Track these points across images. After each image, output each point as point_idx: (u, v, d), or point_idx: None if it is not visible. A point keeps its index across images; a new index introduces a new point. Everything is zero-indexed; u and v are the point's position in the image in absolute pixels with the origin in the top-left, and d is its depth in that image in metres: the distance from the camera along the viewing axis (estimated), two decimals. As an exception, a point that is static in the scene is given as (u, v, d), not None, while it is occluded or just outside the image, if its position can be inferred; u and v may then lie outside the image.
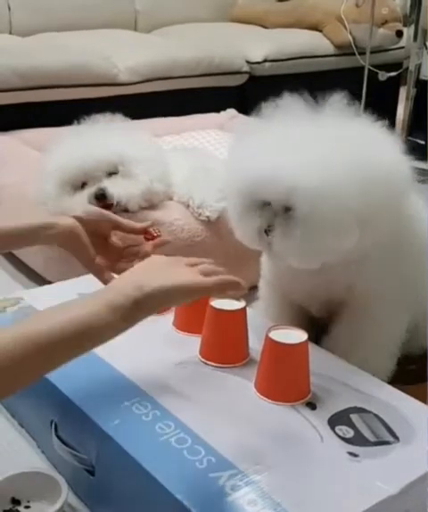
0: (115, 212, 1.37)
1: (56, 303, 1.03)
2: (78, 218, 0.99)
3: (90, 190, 1.39)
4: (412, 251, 1.13)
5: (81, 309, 0.72)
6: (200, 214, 1.43)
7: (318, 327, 1.21)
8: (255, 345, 0.99)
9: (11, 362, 0.67)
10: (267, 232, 1.02)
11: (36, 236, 0.97)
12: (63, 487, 0.89)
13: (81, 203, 1.38)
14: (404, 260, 1.12)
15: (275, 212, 1.01)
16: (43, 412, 1.00)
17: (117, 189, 1.38)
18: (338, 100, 1.03)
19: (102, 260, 1.00)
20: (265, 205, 1.02)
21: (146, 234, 1.04)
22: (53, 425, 0.97)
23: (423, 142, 2.68)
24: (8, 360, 0.66)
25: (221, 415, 0.88)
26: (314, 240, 0.98)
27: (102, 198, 1.37)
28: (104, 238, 1.02)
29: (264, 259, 1.24)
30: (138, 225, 1.04)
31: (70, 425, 0.94)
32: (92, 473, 0.90)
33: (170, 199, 1.49)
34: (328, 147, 0.98)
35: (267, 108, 1.04)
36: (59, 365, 0.73)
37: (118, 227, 1.03)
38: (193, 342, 1.03)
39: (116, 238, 1.04)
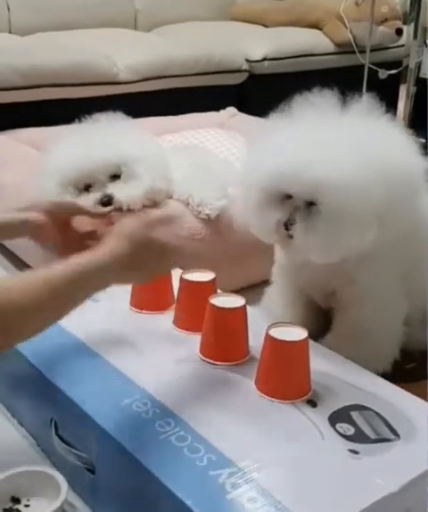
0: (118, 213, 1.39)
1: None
2: (47, 211, 1.00)
3: (95, 195, 1.39)
4: (420, 248, 1.14)
5: (82, 258, 0.80)
6: (200, 212, 1.43)
7: (327, 319, 1.22)
8: (255, 343, 0.98)
9: (31, 302, 0.73)
10: (286, 226, 1.02)
11: (13, 231, 1.00)
12: (63, 485, 0.88)
13: None
14: (404, 253, 1.13)
15: (295, 206, 1.02)
16: (43, 411, 1.00)
17: (123, 194, 1.38)
18: (364, 100, 1.06)
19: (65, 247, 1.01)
20: (285, 199, 1.03)
21: (106, 218, 1.05)
22: (53, 424, 0.97)
23: (423, 140, 2.68)
24: (29, 301, 0.73)
25: (221, 413, 0.88)
26: (337, 235, 1.00)
27: (108, 204, 1.38)
28: (66, 224, 1.02)
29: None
30: (102, 210, 1.08)
31: (70, 424, 0.94)
32: (92, 471, 0.90)
33: (170, 197, 1.49)
34: (353, 145, 1.00)
35: (295, 104, 1.06)
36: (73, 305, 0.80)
37: (84, 213, 1.04)
38: (193, 341, 1.03)
39: (76, 224, 1.04)
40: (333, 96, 1.06)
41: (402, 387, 0.96)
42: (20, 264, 1.60)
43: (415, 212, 1.10)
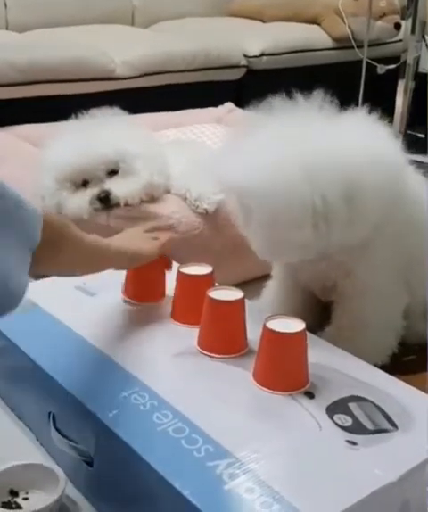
0: (115, 208, 1.39)
1: (54, 297, 1.06)
2: None
3: (93, 191, 1.39)
4: (412, 237, 1.14)
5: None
6: (197, 207, 1.43)
7: (326, 312, 1.22)
8: (254, 336, 0.98)
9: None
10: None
11: None
12: (61, 479, 0.88)
13: (82, 203, 1.39)
14: (403, 245, 1.13)
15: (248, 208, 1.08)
16: (41, 404, 1.00)
17: (121, 190, 1.39)
18: (317, 96, 1.06)
19: None
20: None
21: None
22: (52, 417, 0.97)
23: (422, 135, 2.67)
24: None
25: (219, 404, 0.88)
26: (265, 237, 1.07)
27: (105, 200, 1.38)
28: None
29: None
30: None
31: (68, 417, 0.94)
32: (90, 464, 0.90)
33: (168, 192, 1.48)
34: (274, 147, 1.02)
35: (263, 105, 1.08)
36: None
37: None
38: (191, 334, 1.03)
39: None
40: (292, 97, 1.07)
41: (400, 379, 0.95)
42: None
43: (405, 202, 1.10)
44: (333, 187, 1.00)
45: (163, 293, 1.15)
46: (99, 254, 0.95)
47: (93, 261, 0.95)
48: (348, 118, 1.08)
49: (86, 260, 0.93)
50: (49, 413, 0.97)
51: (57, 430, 0.95)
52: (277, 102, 1.06)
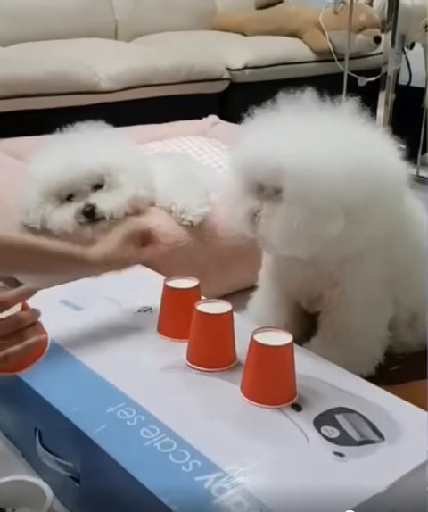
0: (100, 221, 1.39)
1: (40, 311, 1.03)
2: None
3: (78, 205, 1.39)
4: (399, 249, 1.15)
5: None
6: (182, 219, 1.44)
7: (312, 323, 1.22)
8: (241, 348, 0.98)
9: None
10: (257, 214, 1.05)
11: None
12: (48, 495, 0.88)
13: (67, 217, 1.38)
14: (390, 257, 1.14)
15: (267, 195, 1.05)
16: (26, 420, 0.99)
17: (106, 204, 1.39)
18: (347, 104, 1.08)
19: None
20: (260, 189, 1.06)
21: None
22: (38, 433, 0.96)
23: (403, 146, 2.70)
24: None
25: (206, 418, 0.88)
26: (297, 221, 1.01)
27: (90, 214, 1.38)
28: None
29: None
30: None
31: (55, 433, 0.94)
32: (77, 480, 0.89)
33: (153, 205, 1.49)
34: (324, 140, 1.02)
35: (280, 101, 1.08)
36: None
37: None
38: (178, 347, 1.03)
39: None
40: (316, 98, 1.08)
41: (386, 390, 0.96)
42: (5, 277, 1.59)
43: (398, 215, 1.11)
44: (364, 186, 1.01)
45: None
46: (34, 254, 0.98)
47: (25, 261, 0.98)
48: (359, 123, 1.10)
49: (15, 259, 0.96)
50: (35, 429, 0.96)
51: (43, 446, 0.95)
52: (308, 99, 1.08)
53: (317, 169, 0.99)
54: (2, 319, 0.79)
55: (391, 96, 2.47)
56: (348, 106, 1.08)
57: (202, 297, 1.08)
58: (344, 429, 0.85)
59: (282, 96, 1.08)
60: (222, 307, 1.00)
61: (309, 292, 1.19)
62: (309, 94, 1.08)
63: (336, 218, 1.01)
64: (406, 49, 2.68)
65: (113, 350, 1.04)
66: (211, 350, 1.00)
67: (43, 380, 0.97)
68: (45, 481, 0.93)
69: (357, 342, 1.17)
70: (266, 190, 1.05)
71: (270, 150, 1.02)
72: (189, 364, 1.00)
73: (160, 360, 1.01)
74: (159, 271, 1.26)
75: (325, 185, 0.99)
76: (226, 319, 1.00)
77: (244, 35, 3.06)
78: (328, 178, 0.99)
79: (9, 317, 0.79)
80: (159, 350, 1.04)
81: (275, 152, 1.01)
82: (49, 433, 0.95)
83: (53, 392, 0.94)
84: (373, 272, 1.14)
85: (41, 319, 1.10)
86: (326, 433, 0.84)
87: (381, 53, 2.58)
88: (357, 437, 0.84)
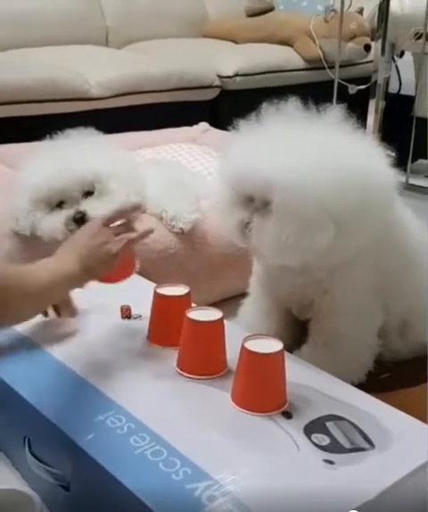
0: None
1: (36, 320, 1.03)
2: None
3: (68, 212, 1.38)
4: (390, 257, 1.16)
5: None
6: (173, 226, 1.43)
7: (302, 330, 1.22)
8: (233, 356, 0.98)
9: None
10: (247, 225, 1.06)
11: None
12: (37, 503, 0.87)
13: (57, 224, 1.38)
14: (381, 264, 1.14)
15: (256, 207, 1.06)
16: (16, 429, 0.99)
17: (96, 211, 1.38)
18: (334, 112, 1.08)
19: None
20: (250, 201, 1.07)
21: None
22: (27, 442, 0.95)
23: (393, 154, 2.72)
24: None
25: (197, 426, 0.88)
26: (286, 234, 1.02)
27: (81, 221, 1.37)
28: None
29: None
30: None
31: (44, 441, 0.93)
32: (66, 488, 0.88)
33: (144, 212, 1.49)
34: (311, 150, 1.02)
35: (266, 112, 1.09)
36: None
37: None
38: (168, 355, 1.02)
39: None
40: (301, 107, 1.08)
41: (376, 397, 0.96)
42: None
43: (387, 223, 1.12)
44: (353, 195, 1.01)
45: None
46: (47, 295, 0.94)
47: (41, 305, 0.95)
48: (346, 132, 1.10)
49: (34, 308, 0.93)
50: (24, 437, 0.96)
51: (33, 454, 0.94)
52: (293, 109, 1.08)
53: (306, 181, 0.99)
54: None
55: (381, 104, 2.49)
56: (336, 114, 1.08)
57: (193, 304, 1.08)
58: (335, 437, 0.85)
59: (269, 106, 1.09)
60: (213, 314, 1.00)
61: (300, 299, 1.19)
62: (296, 104, 1.08)
63: (326, 229, 1.01)
64: (396, 57, 2.71)
65: (103, 358, 1.03)
66: (202, 357, 1.00)
67: (32, 388, 0.96)
68: (33, 489, 0.92)
69: (347, 350, 1.17)
70: (255, 202, 1.06)
71: (259, 163, 1.02)
72: (180, 371, 0.99)
73: (151, 368, 1.01)
74: (149, 278, 1.26)
75: (315, 198, 0.99)
76: (216, 327, 1.00)
77: (235, 42, 3.08)
78: (317, 190, 0.99)
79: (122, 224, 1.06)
80: (149, 358, 1.04)
81: (264, 165, 1.01)
82: (38, 442, 0.94)
83: (42, 399, 0.93)
84: (362, 279, 1.14)
85: (31, 327, 1.11)
86: (317, 441, 0.84)
87: (371, 62, 2.60)
88: (347, 445, 0.84)
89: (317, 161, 1.00)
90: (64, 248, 1.03)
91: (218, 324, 1.00)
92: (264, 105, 1.09)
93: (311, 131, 1.06)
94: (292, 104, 1.08)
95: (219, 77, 2.62)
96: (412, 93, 2.57)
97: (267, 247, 1.05)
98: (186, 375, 0.98)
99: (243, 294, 1.32)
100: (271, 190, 1.01)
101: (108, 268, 1.04)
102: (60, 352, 1.04)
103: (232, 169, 1.08)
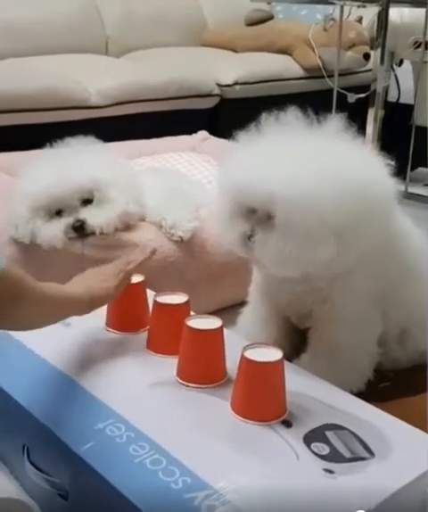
0: (90, 237, 1.39)
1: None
2: None
3: (68, 220, 1.38)
4: (390, 265, 1.15)
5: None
6: (172, 234, 1.44)
7: (302, 338, 1.22)
8: (232, 364, 0.98)
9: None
10: (250, 238, 1.05)
11: None
12: (36, 512, 0.87)
13: (56, 232, 1.38)
14: (381, 273, 1.14)
15: (259, 219, 1.05)
16: (14, 437, 0.98)
17: (95, 219, 1.38)
18: (332, 121, 1.08)
19: None
20: (251, 212, 1.06)
21: None
22: (25, 450, 0.95)
23: (392, 163, 2.72)
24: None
25: (196, 435, 0.87)
26: (289, 247, 1.02)
27: (80, 229, 1.38)
28: None
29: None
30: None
31: (43, 450, 0.93)
32: (65, 497, 0.88)
33: (143, 220, 1.49)
34: (312, 161, 1.02)
35: (265, 122, 1.08)
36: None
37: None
38: (167, 363, 1.02)
39: None
40: (301, 116, 1.08)
41: (376, 406, 0.96)
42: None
43: (387, 232, 1.12)
44: (353, 206, 1.01)
45: (144, 324, 1.14)
46: (58, 305, 0.93)
47: (51, 314, 0.93)
48: (345, 141, 1.10)
49: (44, 313, 0.91)
50: (23, 446, 0.95)
51: (31, 463, 0.94)
52: (291, 119, 1.08)
53: (310, 195, 0.99)
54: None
55: (380, 113, 2.50)
56: (335, 123, 1.08)
57: (192, 313, 1.08)
58: (334, 446, 0.85)
59: (268, 116, 1.08)
60: (213, 322, 1.00)
61: (299, 307, 1.19)
62: (296, 113, 1.08)
63: (328, 242, 1.01)
64: (395, 66, 2.72)
65: (102, 366, 1.03)
66: (202, 366, 0.99)
67: (31, 396, 0.96)
68: (32, 498, 0.92)
69: (346, 359, 1.17)
70: (257, 214, 1.05)
71: (262, 176, 1.02)
72: (179, 380, 0.99)
73: (150, 376, 1.00)
74: (148, 286, 1.26)
75: (318, 211, 0.99)
76: (216, 335, 1.00)
77: (234, 51, 3.09)
78: (321, 206, 0.99)
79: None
80: (148, 367, 1.04)
81: (267, 179, 1.01)
82: (37, 450, 0.94)
83: (41, 408, 0.93)
84: (362, 288, 1.14)
85: (29, 335, 1.10)
86: (316, 450, 0.84)
87: (370, 70, 2.61)
88: (347, 454, 0.84)
89: (319, 173, 1.00)
90: (74, 280, 1.04)
91: (218, 332, 0.99)
92: (263, 115, 1.09)
93: (311, 141, 1.06)
94: (292, 114, 1.08)
95: (219, 85, 2.63)
96: (411, 101, 2.58)
97: (270, 260, 1.05)
98: (186, 383, 0.98)
99: (243, 303, 1.32)
100: (274, 203, 1.01)
101: (111, 298, 1.05)
102: (58, 361, 1.04)
103: (233, 182, 1.07)
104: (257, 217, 1.06)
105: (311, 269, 1.06)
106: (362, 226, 1.03)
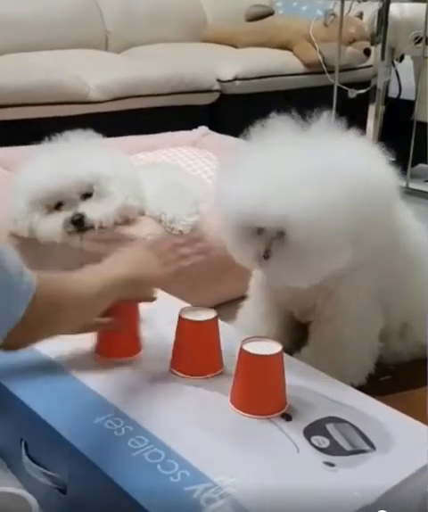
0: (89, 231, 1.38)
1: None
2: None
3: (67, 214, 1.38)
4: (392, 260, 1.15)
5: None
6: (172, 229, 1.43)
7: (301, 332, 1.21)
8: (232, 359, 0.97)
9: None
10: (265, 257, 1.03)
11: None
12: (34, 506, 0.86)
13: (55, 226, 1.37)
14: (383, 268, 1.14)
15: (270, 237, 1.03)
16: (12, 431, 0.98)
17: (95, 213, 1.38)
18: (323, 117, 1.06)
19: None
20: (260, 231, 1.04)
21: None
22: (24, 444, 0.95)
23: (393, 159, 2.71)
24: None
25: (195, 428, 0.87)
26: (308, 263, 1.01)
27: (79, 223, 1.37)
28: None
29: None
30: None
31: (41, 444, 0.92)
32: (63, 491, 0.87)
33: (142, 214, 1.48)
34: (316, 172, 0.99)
35: (253, 130, 1.06)
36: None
37: None
38: (166, 357, 1.01)
39: None
40: (295, 118, 1.06)
41: (377, 399, 0.95)
42: None
43: (391, 227, 1.11)
44: (364, 210, 1.00)
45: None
46: (99, 299, 0.92)
47: (94, 309, 0.92)
48: (346, 141, 1.08)
49: (88, 311, 0.91)
50: (21, 440, 0.95)
51: (29, 457, 0.93)
52: (279, 123, 1.05)
53: (322, 211, 0.97)
54: None
55: (381, 109, 2.49)
56: (335, 122, 1.07)
57: (187, 304, 1.07)
58: (335, 439, 0.84)
59: (265, 119, 1.06)
60: (207, 313, 1.00)
61: (303, 302, 1.19)
62: (293, 115, 1.06)
63: (345, 250, 1.01)
64: (395, 62, 2.71)
65: (100, 361, 1.03)
66: (196, 356, 0.99)
67: (29, 390, 0.95)
68: (30, 492, 0.91)
69: (348, 353, 1.17)
70: (268, 232, 1.02)
71: (269, 199, 0.98)
72: (174, 371, 0.99)
73: (147, 369, 1.00)
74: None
75: (332, 225, 0.98)
76: (210, 326, 0.99)
77: (235, 47, 3.08)
78: (333, 218, 0.97)
79: None
80: (145, 359, 1.03)
81: (277, 200, 0.97)
82: (35, 444, 0.93)
83: (39, 402, 0.93)
84: (366, 283, 1.14)
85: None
86: (317, 443, 0.83)
87: (371, 66, 2.60)
88: (347, 447, 0.83)
89: (327, 184, 0.98)
90: (115, 256, 1.01)
91: (212, 323, 0.99)
92: (265, 114, 1.07)
93: (312, 148, 1.02)
94: (290, 116, 1.06)
95: (219, 81, 2.62)
96: (412, 97, 2.57)
97: (289, 275, 1.05)
98: (181, 374, 0.98)
99: (243, 297, 1.31)
100: (287, 223, 0.98)
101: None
102: (58, 355, 1.03)
103: (240, 206, 1.02)
104: (267, 235, 1.03)
105: (326, 275, 1.05)
106: (371, 226, 1.02)
